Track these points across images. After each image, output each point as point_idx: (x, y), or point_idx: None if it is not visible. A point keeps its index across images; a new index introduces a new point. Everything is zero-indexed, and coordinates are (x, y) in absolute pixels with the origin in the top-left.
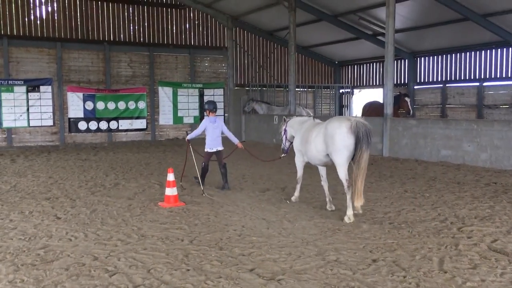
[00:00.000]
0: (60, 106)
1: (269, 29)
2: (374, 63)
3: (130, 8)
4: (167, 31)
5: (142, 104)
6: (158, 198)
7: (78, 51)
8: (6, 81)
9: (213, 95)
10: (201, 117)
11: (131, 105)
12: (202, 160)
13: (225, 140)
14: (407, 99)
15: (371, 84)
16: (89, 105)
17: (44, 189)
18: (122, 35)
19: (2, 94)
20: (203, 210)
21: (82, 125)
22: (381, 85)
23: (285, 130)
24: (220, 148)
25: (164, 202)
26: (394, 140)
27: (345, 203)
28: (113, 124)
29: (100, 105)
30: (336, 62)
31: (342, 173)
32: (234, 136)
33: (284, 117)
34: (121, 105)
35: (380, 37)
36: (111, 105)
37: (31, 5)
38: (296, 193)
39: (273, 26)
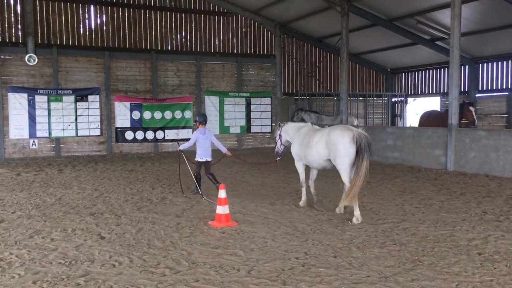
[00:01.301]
0: (107, 116)
1: (319, 35)
2: (431, 70)
3: (178, 17)
4: (214, 39)
5: (188, 114)
6: (208, 216)
7: (125, 60)
8: (55, 91)
9: (260, 104)
10: (247, 127)
11: (178, 114)
12: (194, 169)
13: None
14: (471, 108)
15: (426, 92)
16: (136, 115)
17: (89, 203)
18: (169, 44)
19: (51, 103)
20: (258, 231)
21: (129, 135)
22: (438, 93)
23: (279, 135)
24: (209, 158)
25: (215, 221)
26: (460, 153)
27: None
28: (160, 134)
29: (147, 114)
30: (389, 70)
31: (346, 177)
32: (222, 145)
33: (279, 122)
34: (168, 114)
35: (439, 42)
36: (157, 115)
37: (81, 16)
38: (303, 197)
39: (322, 33)
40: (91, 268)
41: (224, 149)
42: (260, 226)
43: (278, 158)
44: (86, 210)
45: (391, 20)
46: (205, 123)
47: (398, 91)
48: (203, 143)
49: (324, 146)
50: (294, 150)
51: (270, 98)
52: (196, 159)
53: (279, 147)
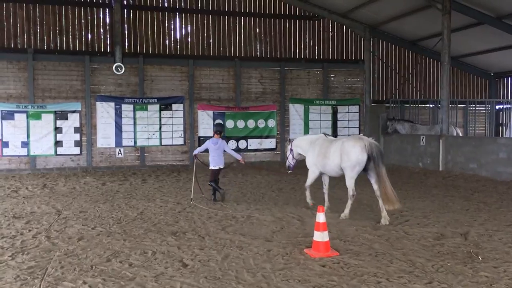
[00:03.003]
0: (190, 125)
1: (413, 38)
2: None
3: (262, 22)
4: (299, 44)
5: (272, 123)
6: (302, 241)
7: (209, 68)
8: (141, 100)
9: (348, 112)
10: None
11: (261, 123)
12: (209, 179)
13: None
14: None
15: None
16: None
17: (171, 219)
18: (253, 51)
19: (137, 112)
20: (366, 266)
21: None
22: None
23: (291, 150)
24: (222, 166)
25: (312, 250)
26: None
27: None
28: (242, 144)
29: (230, 123)
30: (492, 74)
31: (350, 183)
32: (235, 153)
33: (288, 138)
34: (251, 123)
35: None
36: (240, 124)
37: (166, 25)
38: (308, 199)
39: (417, 35)
40: None
41: (239, 157)
42: (367, 258)
43: (289, 171)
44: (168, 228)
45: (500, 18)
46: (220, 134)
47: (503, 98)
48: (214, 152)
49: (339, 155)
50: (311, 161)
51: (358, 106)
52: (210, 167)
53: (290, 162)
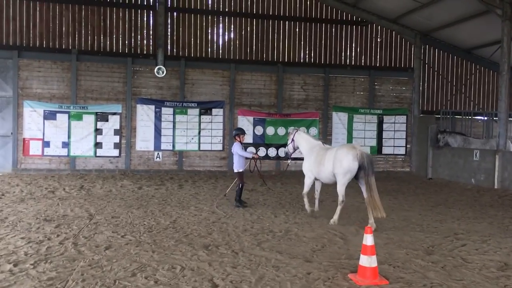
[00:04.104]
0: (230, 130)
1: (467, 46)
2: None
3: (307, 27)
4: (345, 50)
5: (313, 131)
6: (346, 264)
7: (251, 73)
8: (181, 103)
9: (394, 122)
10: (378, 148)
11: None
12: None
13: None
14: None
15: None
16: (259, 130)
17: (204, 230)
18: (296, 56)
19: (177, 116)
20: None
21: (251, 151)
22: None
23: (292, 140)
24: (238, 169)
25: (358, 276)
26: None
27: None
28: (282, 151)
29: (270, 130)
30: None
31: (342, 189)
32: (246, 153)
33: (294, 127)
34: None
35: None
36: (281, 131)
37: (209, 28)
38: (306, 206)
39: (472, 43)
40: None
41: (249, 155)
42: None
43: (289, 160)
44: (200, 240)
45: None
46: (238, 137)
47: None
48: (234, 156)
49: (332, 163)
50: (307, 167)
51: (406, 116)
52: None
53: (289, 150)
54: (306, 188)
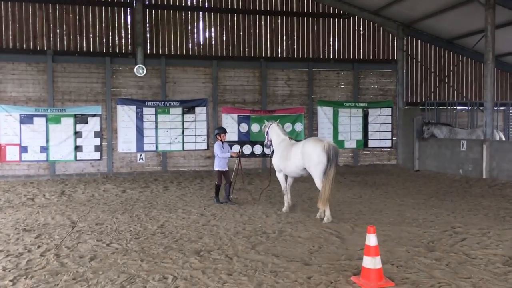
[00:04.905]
0: (214, 129)
1: (449, 36)
2: None
3: (288, 21)
4: (328, 44)
5: (299, 126)
6: (347, 266)
7: (233, 69)
8: (163, 103)
9: (379, 115)
10: (364, 141)
11: (287, 127)
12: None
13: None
14: None
15: None
16: (244, 128)
17: (194, 234)
18: (279, 51)
19: (159, 116)
20: None
21: (236, 149)
22: None
23: (267, 132)
24: (215, 168)
25: (361, 278)
26: None
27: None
28: (268, 149)
29: (255, 127)
30: None
31: (319, 183)
32: (224, 153)
33: (265, 120)
34: None
35: None
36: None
37: (189, 24)
38: (286, 204)
39: (455, 33)
40: None
41: (227, 155)
42: None
43: (270, 152)
44: (191, 246)
45: None
46: (219, 136)
47: None
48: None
49: (300, 157)
50: (275, 162)
51: (390, 108)
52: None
53: (267, 141)
54: (282, 185)
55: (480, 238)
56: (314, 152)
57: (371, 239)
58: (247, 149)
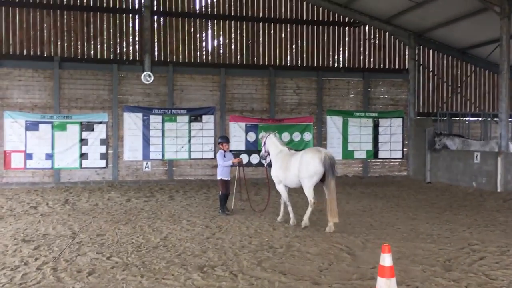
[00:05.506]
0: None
1: (462, 45)
2: None
3: (298, 29)
4: (337, 52)
5: (308, 136)
6: (358, 286)
7: (242, 78)
8: (170, 110)
9: (390, 125)
10: (374, 152)
11: (296, 136)
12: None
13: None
14: None
15: None
16: (251, 137)
17: (198, 248)
18: (288, 59)
19: (165, 124)
20: None
21: (243, 159)
22: None
23: (264, 143)
24: (218, 177)
25: None
26: None
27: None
28: (255, 158)
29: None
30: None
31: (309, 192)
32: (225, 161)
33: (262, 132)
34: (285, 136)
35: None
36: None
37: (198, 32)
38: (291, 215)
39: (468, 42)
40: None
41: (229, 163)
42: None
43: (265, 164)
44: (194, 260)
45: None
46: (221, 145)
47: None
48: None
49: (297, 168)
50: (274, 173)
51: (401, 118)
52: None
53: (263, 153)
54: (283, 195)
55: (500, 257)
56: (312, 163)
57: (386, 259)
58: (254, 159)
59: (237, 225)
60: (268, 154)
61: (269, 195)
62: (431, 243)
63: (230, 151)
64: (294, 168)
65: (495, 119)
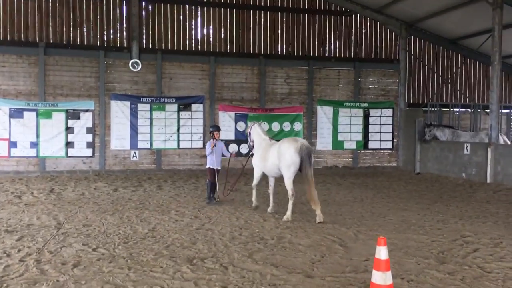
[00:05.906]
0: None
1: (453, 36)
2: None
3: (289, 18)
4: (329, 42)
5: (298, 126)
6: (352, 279)
7: (231, 66)
8: (158, 99)
9: (380, 116)
10: (364, 142)
11: (286, 126)
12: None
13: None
14: None
15: None
16: (241, 126)
17: (187, 239)
18: (279, 48)
19: (154, 112)
20: None
21: (233, 149)
22: None
23: (249, 133)
24: (207, 165)
25: None
26: None
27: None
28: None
29: None
30: None
31: (288, 183)
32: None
33: (248, 122)
34: (275, 126)
35: None
36: (264, 126)
37: (187, 19)
38: (254, 198)
39: (459, 32)
40: None
41: (228, 154)
42: None
43: (251, 153)
44: (183, 252)
45: None
46: (212, 134)
47: None
48: (219, 152)
49: (276, 157)
50: (255, 161)
51: (392, 109)
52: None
53: (249, 143)
54: (255, 181)
55: (493, 249)
56: (288, 153)
57: (382, 252)
58: (244, 149)
59: (226, 216)
60: (253, 143)
61: (236, 182)
62: (424, 235)
63: (235, 140)
64: (272, 157)
65: (485, 110)
